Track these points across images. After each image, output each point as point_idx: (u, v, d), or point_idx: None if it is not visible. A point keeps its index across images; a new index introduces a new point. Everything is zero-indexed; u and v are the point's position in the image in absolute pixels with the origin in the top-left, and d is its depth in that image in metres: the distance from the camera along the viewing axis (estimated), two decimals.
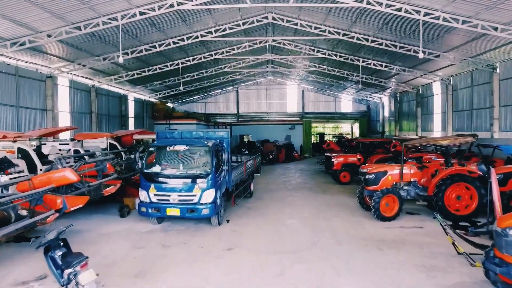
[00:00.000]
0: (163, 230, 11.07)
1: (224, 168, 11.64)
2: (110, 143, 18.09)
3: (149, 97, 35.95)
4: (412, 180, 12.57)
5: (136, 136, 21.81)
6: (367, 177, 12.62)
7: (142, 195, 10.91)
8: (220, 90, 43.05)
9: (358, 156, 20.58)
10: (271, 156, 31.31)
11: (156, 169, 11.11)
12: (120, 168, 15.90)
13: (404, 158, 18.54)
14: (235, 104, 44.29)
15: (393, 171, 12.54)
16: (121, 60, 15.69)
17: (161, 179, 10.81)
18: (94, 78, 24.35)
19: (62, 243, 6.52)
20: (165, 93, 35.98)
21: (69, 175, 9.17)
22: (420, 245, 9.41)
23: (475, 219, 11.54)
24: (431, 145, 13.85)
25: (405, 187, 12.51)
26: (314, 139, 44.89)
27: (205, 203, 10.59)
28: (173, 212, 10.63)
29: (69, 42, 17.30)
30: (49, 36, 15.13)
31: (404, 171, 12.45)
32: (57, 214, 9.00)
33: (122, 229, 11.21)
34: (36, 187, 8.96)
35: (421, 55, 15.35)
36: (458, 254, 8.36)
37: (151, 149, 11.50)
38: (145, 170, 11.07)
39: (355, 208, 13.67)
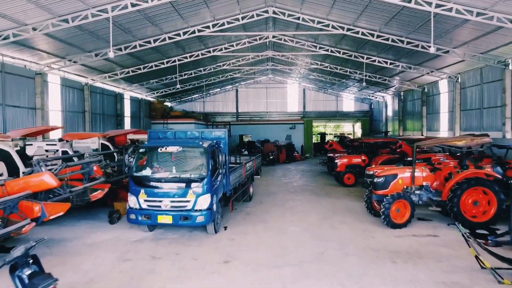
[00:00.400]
0: (154, 238, 10.18)
1: (221, 171, 10.70)
2: (102, 144, 17.14)
3: (146, 95, 35.00)
4: (424, 184, 11.66)
5: (130, 136, 20.86)
6: (375, 180, 11.73)
7: (131, 200, 9.99)
8: (219, 89, 42.16)
9: (363, 157, 19.68)
10: (271, 157, 30.37)
11: (147, 172, 10.18)
12: (112, 169, 14.98)
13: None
14: (234, 103, 43.43)
15: (404, 174, 11.64)
16: (111, 55, 14.71)
17: (151, 183, 9.89)
18: (88, 75, 23.37)
19: (31, 260, 5.60)
20: (162, 92, 35.03)
21: (48, 180, 8.23)
22: (438, 257, 8.49)
23: (493, 226, 10.65)
24: (445, 146, 12.91)
25: (417, 192, 11.60)
26: (315, 139, 44.02)
27: (200, 210, 9.68)
28: (165, 219, 9.72)
29: (58, 37, 16.33)
30: (34, 29, 14.16)
31: (416, 174, 11.53)
32: (33, 224, 8.06)
33: (109, 238, 10.32)
34: (10, 193, 8.03)
35: (432, 50, 14.40)
36: (481, 268, 7.44)
37: (141, 150, 10.55)
38: (135, 174, 10.15)
39: (362, 214, 12.78)
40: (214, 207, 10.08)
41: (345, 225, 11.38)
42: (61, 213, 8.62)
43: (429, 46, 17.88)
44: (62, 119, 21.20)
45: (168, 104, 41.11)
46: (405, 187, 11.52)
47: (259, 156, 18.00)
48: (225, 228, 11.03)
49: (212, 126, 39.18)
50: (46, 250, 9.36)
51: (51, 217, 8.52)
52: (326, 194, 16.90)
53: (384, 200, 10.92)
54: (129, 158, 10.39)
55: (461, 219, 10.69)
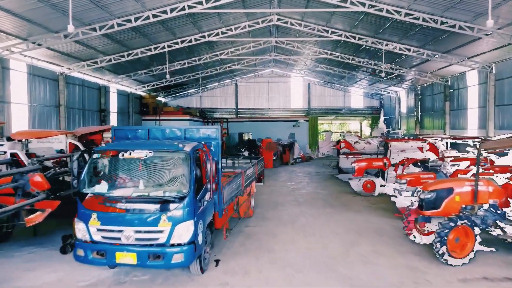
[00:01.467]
0: (114, 282, 7.13)
1: (210, 186, 7.52)
2: (70, 144, 14.01)
3: (136, 89, 31.75)
4: (490, 201, 8.52)
5: (109, 134, 17.66)
6: (422, 196, 8.60)
7: (79, 229, 6.87)
8: (217, 83, 38.92)
9: (385, 160, 16.52)
10: (274, 158, 27.19)
11: (101, 188, 7.02)
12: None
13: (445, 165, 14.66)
14: (233, 98, 40.26)
15: (462, 188, 8.54)
16: (70, 29, 11.49)
17: (108, 205, 6.75)
18: (63, 63, 20.09)
19: None
20: (154, 85, 31.78)
21: None
22: None
23: None
24: None
25: (480, 213, 8.46)
26: (320, 138, 40.91)
27: (179, 244, 6.58)
28: (127, 258, 6.59)
29: (12, 10, 12.99)
30: None
31: (480, 188, 8.38)
32: None
33: (52, 279, 7.31)
34: None
35: (490, 23, 11.16)
36: None
37: (94, 156, 7.38)
38: (84, 190, 7.01)
39: (397, 237, 9.75)
40: (200, 238, 6.97)
41: (381, 258, 8.28)
42: None
43: (469, 27, 14.90)
44: (29, 113, 17.97)
45: (162, 99, 37.87)
46: (463, 206, 8.43)
47: (261, 159, 14.87)
48: (217, 263, 7.95)
49: (208, 123, 36.07)
50: None
51: None
52: (343, 205, 13.83)
53: (440, 225, 7.82)
54: (77, 166, 7.22)
55: None
